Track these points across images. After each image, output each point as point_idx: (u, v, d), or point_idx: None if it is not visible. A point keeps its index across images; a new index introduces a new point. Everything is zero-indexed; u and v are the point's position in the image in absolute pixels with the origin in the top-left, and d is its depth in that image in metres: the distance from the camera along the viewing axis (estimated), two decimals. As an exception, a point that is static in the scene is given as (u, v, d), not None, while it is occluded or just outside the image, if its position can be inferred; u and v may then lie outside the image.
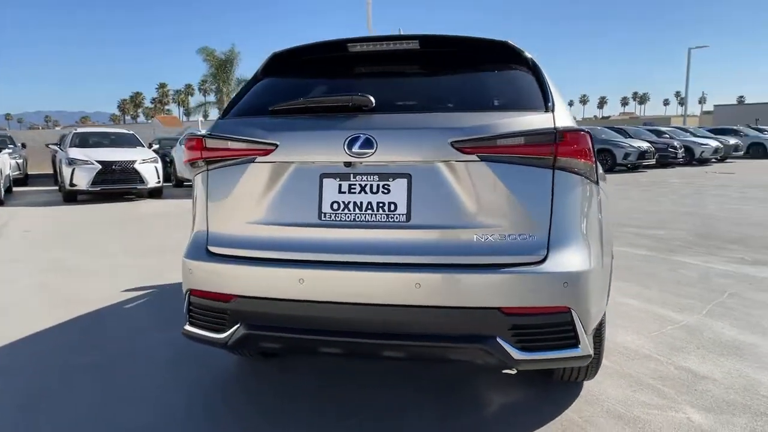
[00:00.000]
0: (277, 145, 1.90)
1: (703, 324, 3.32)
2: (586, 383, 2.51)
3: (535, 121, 1.83)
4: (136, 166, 10.72)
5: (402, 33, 2.20)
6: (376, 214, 1.83)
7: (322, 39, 2.46)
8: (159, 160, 11.40)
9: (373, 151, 1.80)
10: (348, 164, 1.85)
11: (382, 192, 1.83)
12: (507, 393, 2.49)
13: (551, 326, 1.76)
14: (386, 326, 1.80)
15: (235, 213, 1.98)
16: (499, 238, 1.77)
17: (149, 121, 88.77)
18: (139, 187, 10.83)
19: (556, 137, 1.78)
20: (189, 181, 13.17)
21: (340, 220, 1.85)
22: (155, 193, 11.26)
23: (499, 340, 1.73)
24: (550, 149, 1.78)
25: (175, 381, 2.66)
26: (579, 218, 1.85)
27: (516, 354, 1.73)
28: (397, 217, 1.82)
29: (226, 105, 2.24)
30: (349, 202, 1.85)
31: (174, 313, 3.66)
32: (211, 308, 1.98)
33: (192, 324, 2.06)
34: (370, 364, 2.77)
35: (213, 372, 2.74)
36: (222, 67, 31.81)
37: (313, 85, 2.29)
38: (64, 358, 2.95)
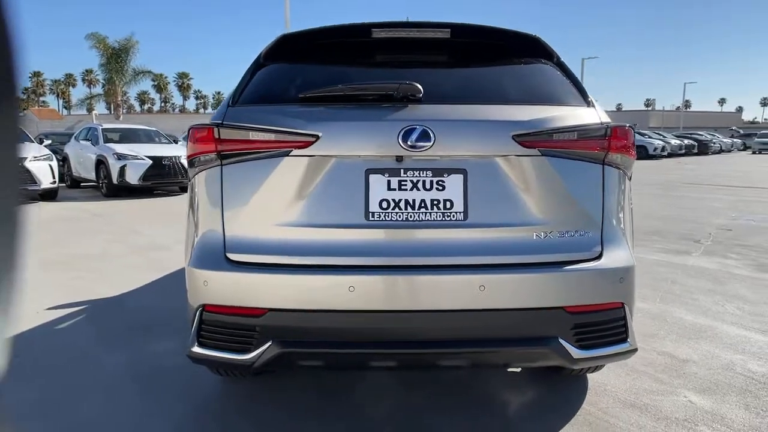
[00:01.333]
0: (318, 137, 1.68)
1: (663, 311, 3.58)
2: (589, 375, 2.56)
3: (584, 115, 1.81)
4: (27, 164, 9.37)
5: (409, 20, 2.08)
6: (430, 213, 1.69)
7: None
8: (53, 157, 10.07)
9: (430, 144, 1.66)
10: (399, 158, 1.69)
11: (437, 189, 1.70)
12: (520, 392, 2.46)
13: (607, 323, 1.75)
14: (447, 333, 1.67)
15: (261, 214, 1.73)
16: (558, 235, 1.72)
17: (22, 114, 78.55)
18: (30, 188, 9.44)
19: (607, 132, 1.77)
20: (87, 180, 11.93)
21: (391, 220, 1.69)
22: (49, 195, 9.94)
23: (560, 340, 1.68)
24: (602, 144, 1.77)
25: (146, 416, 2.28)
26: (622, 213, 1.86)
27: (576, 353, 1.69)
28: (453, 216, 1.69)
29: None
30: (400, 200, 1.69)
31: (119, 332, 3.20)
32: (234, 325, 1.70)
33: (203, 345, 1.75)
34: (365, 372, 2.60)
35: (194, 400, 2.40)
36: (115, 56, 29.01)
37: (333, 72, 2.06)
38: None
